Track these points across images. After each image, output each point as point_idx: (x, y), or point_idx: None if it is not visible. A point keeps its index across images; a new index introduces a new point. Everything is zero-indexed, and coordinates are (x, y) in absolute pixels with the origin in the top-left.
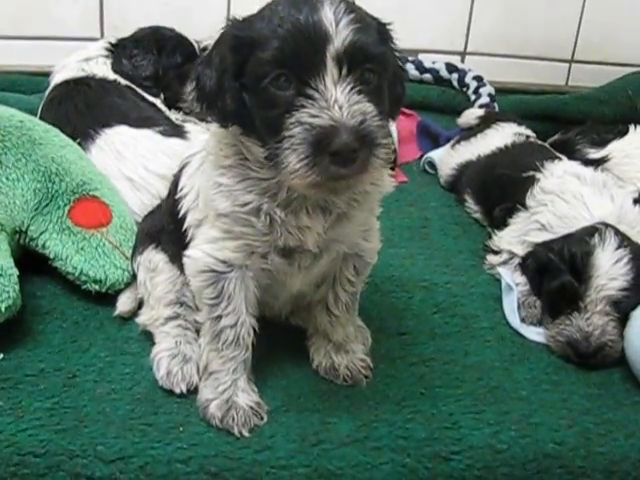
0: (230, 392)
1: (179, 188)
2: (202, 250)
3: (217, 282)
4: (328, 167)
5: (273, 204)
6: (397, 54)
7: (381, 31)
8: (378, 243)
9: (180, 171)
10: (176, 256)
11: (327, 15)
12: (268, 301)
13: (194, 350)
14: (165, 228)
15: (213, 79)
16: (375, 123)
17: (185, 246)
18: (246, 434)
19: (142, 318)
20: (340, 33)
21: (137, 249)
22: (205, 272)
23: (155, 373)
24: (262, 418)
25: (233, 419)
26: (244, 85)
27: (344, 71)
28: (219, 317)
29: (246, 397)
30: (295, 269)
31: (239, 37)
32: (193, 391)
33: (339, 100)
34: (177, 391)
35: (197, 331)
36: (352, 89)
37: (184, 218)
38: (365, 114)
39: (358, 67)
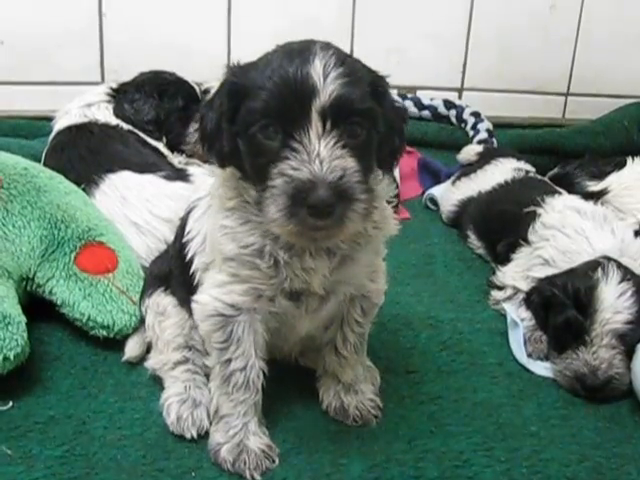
0: (241, 435)
1: (186, 232)
2: (210, 295)
3: (226, 326)
4: (305, 218)
5: (276, 246)
6: (395, 105)
7: (375, 84)
8: (384, 284)
9: (187, 215)
10: (185, 300)
11: (316, 68)
12: (277, 344)
13: (204, 394)
14: (173, 272)
15: (213, 122)
16: (355, 179)
17: (193, 290)
18: (258, 478)
19: (151, 362)
20: (327, 87)
21: (145, 292)
22: (213, 316)
23: (165, 418)
24: (274, 461)
25: (245, 463)
26: (238, 130)
27: (328, 125)
28: (228, 361)
29: (257, 440)
30: (302, 312)
31: (234, 84)
32: (204, 435)
33: (321, 154)
34: (188, 436)
35: (206, 375)
36: (336, 143)
37: (191, 262)
38: (345, 169)
39: (343, 121)
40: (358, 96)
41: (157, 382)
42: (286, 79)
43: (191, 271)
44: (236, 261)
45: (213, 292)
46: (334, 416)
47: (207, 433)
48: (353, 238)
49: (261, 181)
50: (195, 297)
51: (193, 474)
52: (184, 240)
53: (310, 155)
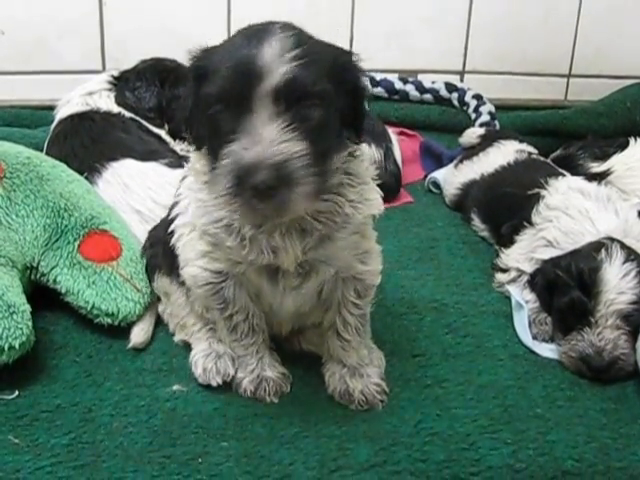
0: (259, 370)
1: (176, 194)
2: (197, 266)
3: (219, 291)
4: (250, 199)
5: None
6: (360, 79)
7: (337, 62)
8: (378, 265)
9: (180, 183)
10: (170, 268)
11: (269, 51)
12: (270, 320)
13: (226, 347)
14: (162, 239)
15: (188, 106)
16: (300, 163)
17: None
18: (275, 400)
19: (178, 337)
20: (279, 70)
21: (150, 278)
22: (205, 285)
23: (194, 373)
24: (287, 387)
25: (265, 390)
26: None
27: (280, 108)
28: (230, 315)
29: (274, 370)
30: (281, 288)
31: (197, 67)
32: (210, 421)
33: (268, 137)
34: (214, 384)
35: None
36: (286, 126)
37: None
38: (291, 153)
39: (296, 104)
40: (312, 78)
41: (162, 369)
42: (239, 62)
43: (170, 229)
44: (209, 232)
45: (199, 263)
46: (339, 400)
47: (208, 422)
48: (328, 217)
49: (214, 161)
50: (185, 270)
51: (200, 460)
52: (174, 201)
53: (258, 137)
